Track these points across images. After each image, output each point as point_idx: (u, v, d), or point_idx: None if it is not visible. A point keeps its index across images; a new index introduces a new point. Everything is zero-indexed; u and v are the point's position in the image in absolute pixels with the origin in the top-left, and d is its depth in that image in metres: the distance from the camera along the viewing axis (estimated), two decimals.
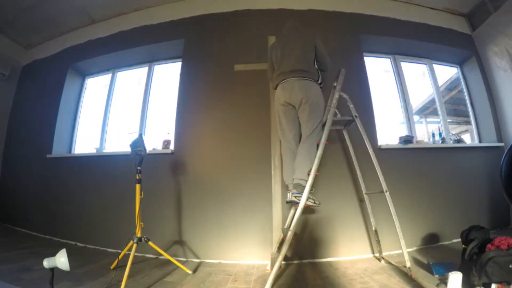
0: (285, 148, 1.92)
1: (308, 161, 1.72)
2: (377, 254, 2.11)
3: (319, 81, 1.88)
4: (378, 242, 2.02)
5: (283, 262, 2.08)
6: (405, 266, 1.67)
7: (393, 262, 1.93)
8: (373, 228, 2.04)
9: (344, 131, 2.17)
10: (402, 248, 1.68)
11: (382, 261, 1.99)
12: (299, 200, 1.62)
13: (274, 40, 2.32)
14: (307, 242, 2.16)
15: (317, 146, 1.76)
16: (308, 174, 1.66)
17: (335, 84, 1.95)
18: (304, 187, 1.63)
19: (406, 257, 1.64)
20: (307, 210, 2.08)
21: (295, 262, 2.10)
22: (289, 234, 1.56)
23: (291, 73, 1.83)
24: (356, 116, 1.90)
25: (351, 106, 1.92)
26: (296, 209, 1.65)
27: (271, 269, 1.61)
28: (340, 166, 2.35)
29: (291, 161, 1.81)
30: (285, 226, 1.93)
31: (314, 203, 1.73)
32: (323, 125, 1.84)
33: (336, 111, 1.95)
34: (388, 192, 1.78)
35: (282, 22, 2.15)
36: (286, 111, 1.87)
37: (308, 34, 1.96)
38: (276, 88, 1.94)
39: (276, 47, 2.01)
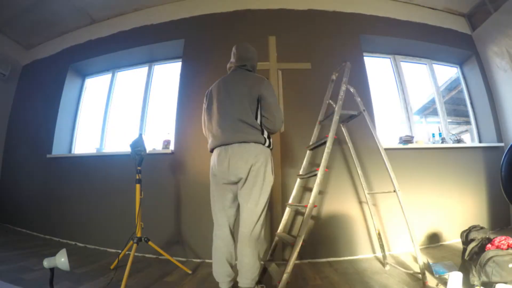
0: (216, 236, 1.38)
1: (257, 263, 1.28)
2: (378, 254, 2.11)
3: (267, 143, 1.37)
4: (382, 246, 1.89)
5: (284, 262, 2.08)
6: (419, 273, 1.49)
7: (401, 268, 1.74)
8: (376, 232, 1.94)
9: (344, 128, 2.06)
10: (417, 254, 1.49)
11: (387, 267, 1.82)
12: None
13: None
14: (307, 242, 2.15)
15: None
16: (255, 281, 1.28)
17: (333, 78, 1.92)
18: None
19: (420, 262, 1.46)
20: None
21: (295, 262, 2.09)
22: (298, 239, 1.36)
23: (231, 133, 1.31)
24: (364, 110, 1.75)
25: (359, 99, 1.79)
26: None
27: (278, 282, 1.29)
28: (339, 165, 2.34)
29: (223, 255, 1.33)
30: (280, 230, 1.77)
31: None
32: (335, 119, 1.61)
33: (330, 101, 1.79)
34: (400, 191, 1.62)
35: (282, 22, 2.12)
36: (220, 188, 1.38)
37: (255, 78, 1.41)
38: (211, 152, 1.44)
39: (213, 93, 1.47)
